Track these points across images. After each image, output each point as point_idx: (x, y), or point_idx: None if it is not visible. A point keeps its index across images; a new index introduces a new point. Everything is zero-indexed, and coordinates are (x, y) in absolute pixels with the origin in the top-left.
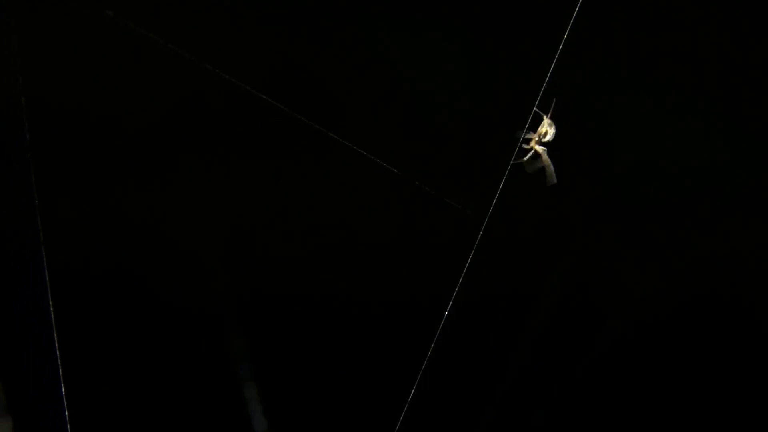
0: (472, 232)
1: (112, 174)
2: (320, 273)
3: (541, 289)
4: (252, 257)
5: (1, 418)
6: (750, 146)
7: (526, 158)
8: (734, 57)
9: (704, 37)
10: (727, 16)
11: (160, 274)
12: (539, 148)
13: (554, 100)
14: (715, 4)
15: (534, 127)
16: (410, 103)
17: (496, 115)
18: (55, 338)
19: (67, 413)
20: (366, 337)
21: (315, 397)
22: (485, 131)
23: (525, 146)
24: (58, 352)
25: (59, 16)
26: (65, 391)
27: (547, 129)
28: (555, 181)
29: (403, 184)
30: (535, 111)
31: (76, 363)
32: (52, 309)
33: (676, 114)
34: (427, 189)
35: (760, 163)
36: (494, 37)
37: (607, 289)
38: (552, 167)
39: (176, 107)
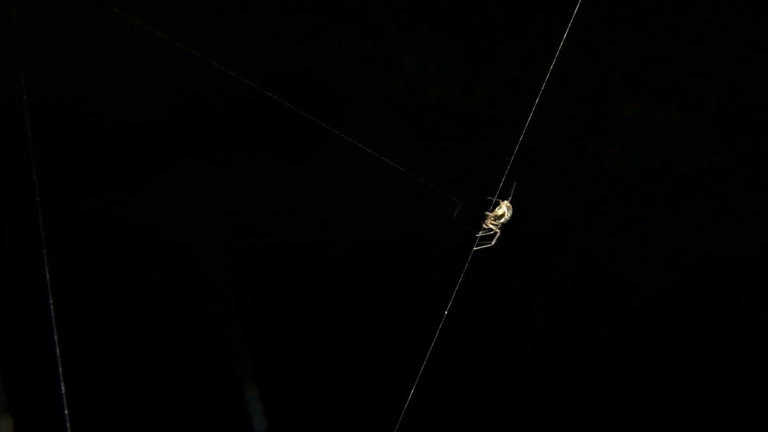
0: (473, 231)
1: (114, 172)
2: (320, 272)
3: (542, 288)
4: (252, 256)
5: (1, 418)
6: (750, 146)
7: (479, 234)
8: (734, 57)
9: (703, 38)
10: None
11: (161, 274)
12: (494, 226)
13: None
14: (715, 5)
15: (493, 209)
16: (413, 100)
17: (497, 114)
18: (56, 338)
19: (66, 412)
20: (366, 336)
21: (315, 397)
22: (487, 129)
23: (483, 223)
24: (58, 352)
25: (63, 13)
26: (65, 391)
27: (505, 211)
28: (490, 245)
29: (405, 180)
30: (495, 200)
31: (76, 363)
32: (53, 308)
33: (675, 114)
34: (432, 186)
35: (760, 162)
36: (495, 35)
37: (607, 289)
38: (496, 238)
39: (180, 105)
